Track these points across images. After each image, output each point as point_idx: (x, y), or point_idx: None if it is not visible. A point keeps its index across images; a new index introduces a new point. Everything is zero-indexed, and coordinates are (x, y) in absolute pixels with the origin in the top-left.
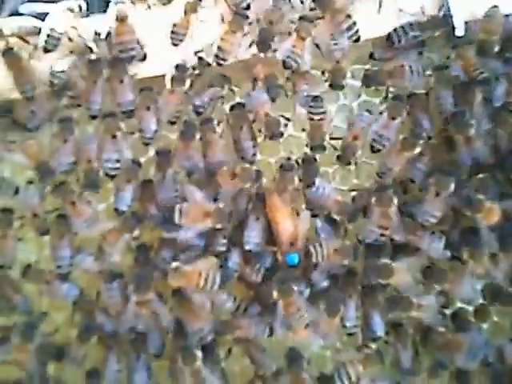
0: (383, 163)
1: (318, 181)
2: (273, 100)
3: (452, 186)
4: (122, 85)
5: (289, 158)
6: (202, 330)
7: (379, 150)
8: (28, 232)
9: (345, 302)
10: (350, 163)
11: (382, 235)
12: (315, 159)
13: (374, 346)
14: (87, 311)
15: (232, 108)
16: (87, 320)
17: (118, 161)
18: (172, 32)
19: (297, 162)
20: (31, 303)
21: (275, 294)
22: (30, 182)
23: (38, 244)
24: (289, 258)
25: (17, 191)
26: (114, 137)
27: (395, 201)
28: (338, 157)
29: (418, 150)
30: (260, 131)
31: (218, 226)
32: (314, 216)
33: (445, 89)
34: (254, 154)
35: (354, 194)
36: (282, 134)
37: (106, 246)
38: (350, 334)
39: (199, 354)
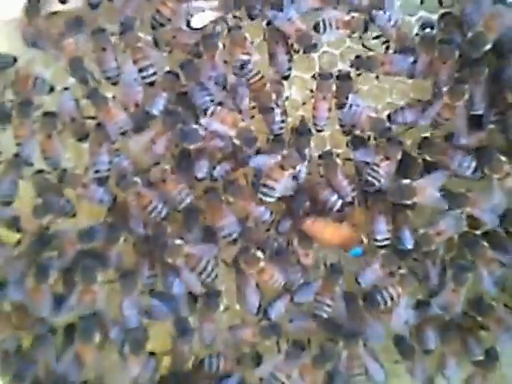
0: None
1: (351, 97)
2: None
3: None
4: None
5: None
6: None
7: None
8: (67, 138)
9: (375, 217)
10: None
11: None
12: (350, 76)
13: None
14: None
15: (268, 23)
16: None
17: (154, 73)
18: None
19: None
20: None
21: None
22: (66, 89)
23: (76, 151)
24: (354, 253)
25: (52, 89)
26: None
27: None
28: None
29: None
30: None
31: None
32: (346, 134)
33: None
34: (289, 69)
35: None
36: (315, 46)
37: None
38: (380, 247)
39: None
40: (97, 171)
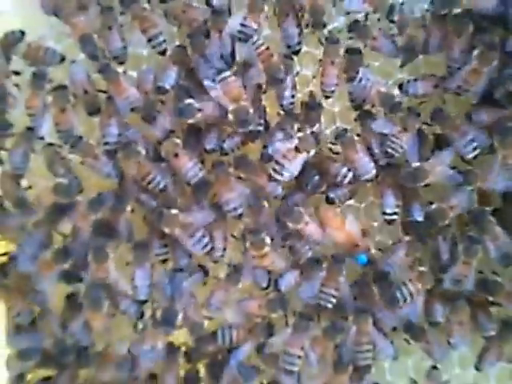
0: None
1: (361, 71)
2: None
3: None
4: None
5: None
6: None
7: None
8: (80, 112)
9: (384, 191)
10: None
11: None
12: (360, 51)
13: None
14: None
15: None
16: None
17: (164, 41)
18: None
19: None
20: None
21: None
22: (74, 62)
23: (88, 126)
24: (359, 259)
25: (63, 59)
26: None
27: None
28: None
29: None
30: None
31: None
32: (356, 109)
33: None
34: (299, 43)
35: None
36: (324, 25)
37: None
38: (389, 223)
39: None
40: (106, 143)
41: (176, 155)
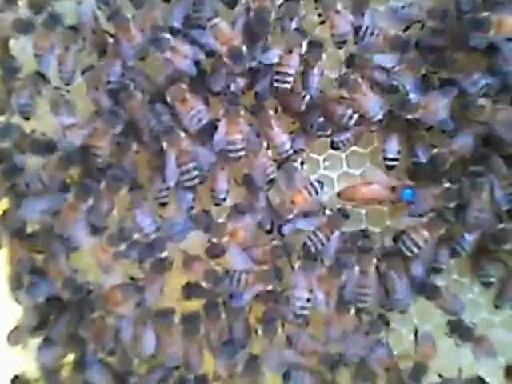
0: None
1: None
2: None
3: None
4: None
5: None
6: None
7: None
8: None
9: (387, 136)
10: None
11: None
12: None
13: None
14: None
15: None
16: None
17: None
18: None
19: None
20: None
21: None
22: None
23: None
24: (405, 195)
25: None
26: None
27: None
28: None
29: None
30: None
31: None
32: None
33: None
34: None
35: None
36: None
37: None
38: (390, 169)
39: None
40: (109, 82)
41: (183, 100)
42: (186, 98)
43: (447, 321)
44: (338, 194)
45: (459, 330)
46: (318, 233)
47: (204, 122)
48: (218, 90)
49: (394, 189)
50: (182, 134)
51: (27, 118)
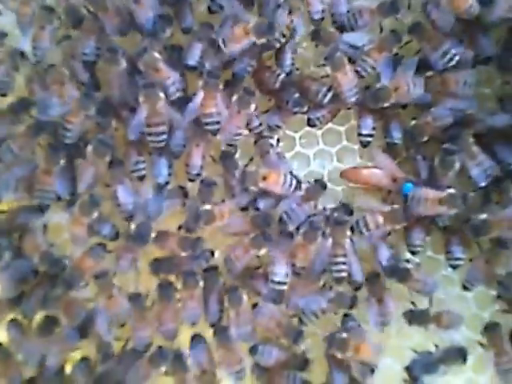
0: None
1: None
2: None
3: None
4: None
5: None
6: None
7: None
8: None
9: (362, 114)
10: None
11: None
12: None
13: None
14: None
15: None
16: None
17: None
18: None
19: None
20: None
21: None
22: None
23: None
24: (405, 188)
25: None
26: None
27: None
28: None
29: None
30: None
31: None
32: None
33: None
34: None
35: None
36: None
37: None
38: (365, 146)
39: None
40: (84, 54)
41: (157, 70)
42: (159, 67)
43: (402, 313)
44: (341, 174)
45: (414, 318)
46: (295, 207)
47: (182, 92)
48: (193, 64)
49: (395, 180)
50: (162, 95)
51: (3, 95)
